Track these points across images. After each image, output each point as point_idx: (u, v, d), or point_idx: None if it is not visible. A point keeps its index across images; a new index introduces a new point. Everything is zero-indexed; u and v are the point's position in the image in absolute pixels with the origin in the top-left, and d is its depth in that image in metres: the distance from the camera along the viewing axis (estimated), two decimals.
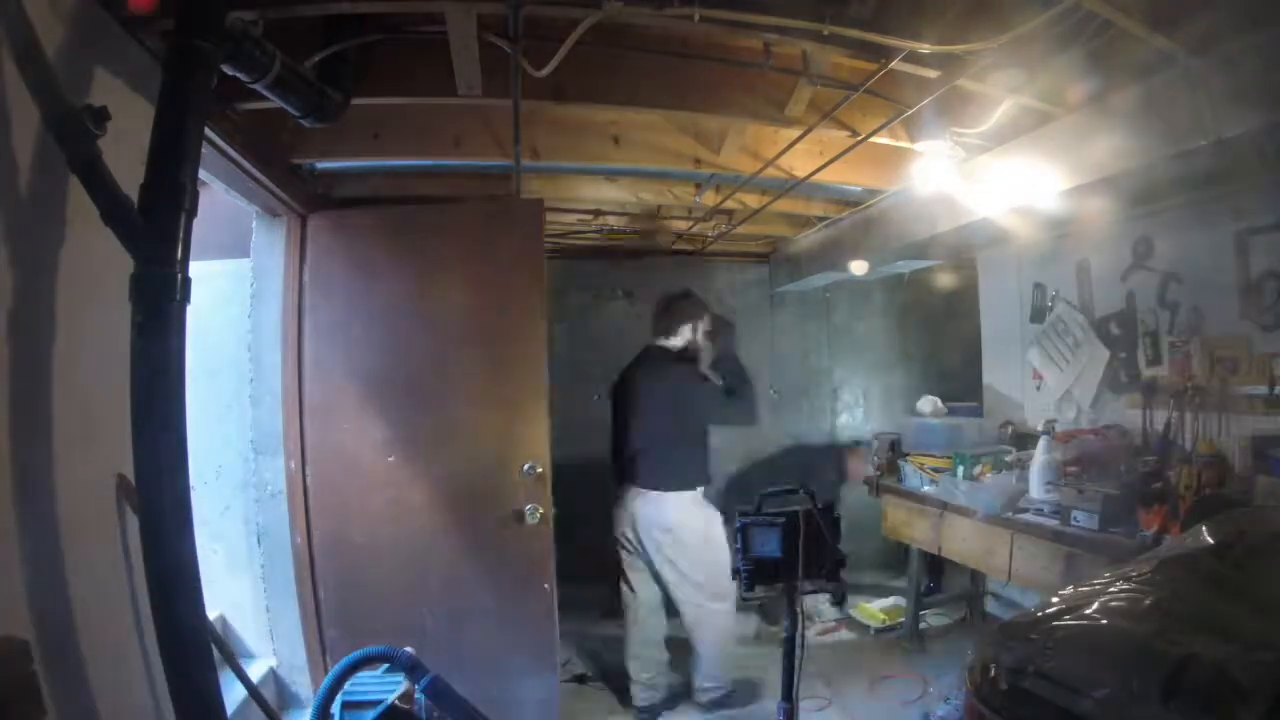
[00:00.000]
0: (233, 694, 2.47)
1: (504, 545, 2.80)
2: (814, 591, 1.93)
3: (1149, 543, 2.17)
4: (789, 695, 1.94)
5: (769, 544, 1.88)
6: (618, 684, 3.34)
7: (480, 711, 1.80)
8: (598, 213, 3.89)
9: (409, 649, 1.83)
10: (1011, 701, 1.30)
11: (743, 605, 3.13)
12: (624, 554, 3.20)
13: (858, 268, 4.04)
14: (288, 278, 2.83)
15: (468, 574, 2.81)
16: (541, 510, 2.75)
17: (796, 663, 1.91)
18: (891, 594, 4.13)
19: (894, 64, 1.98)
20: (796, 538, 1.85)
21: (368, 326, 2.86)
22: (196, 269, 1.34)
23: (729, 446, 4.34)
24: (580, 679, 3.55)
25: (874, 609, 4.01)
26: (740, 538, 1.91)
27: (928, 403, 4.34)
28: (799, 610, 1.91)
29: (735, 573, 1.93)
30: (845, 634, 3.99)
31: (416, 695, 1.78)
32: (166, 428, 1.29)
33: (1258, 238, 2.53)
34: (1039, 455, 2.78)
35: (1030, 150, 2.51)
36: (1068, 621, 1.39)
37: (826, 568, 1.88)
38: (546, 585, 2.78)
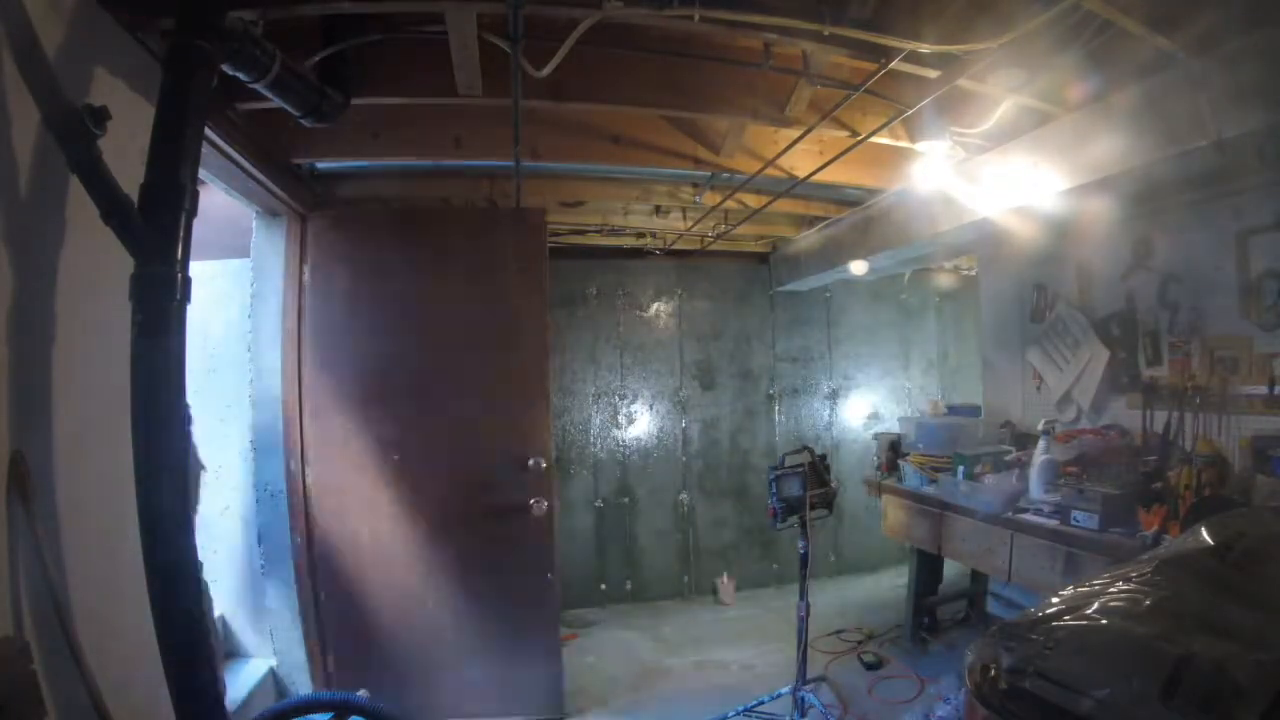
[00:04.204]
0: (233, 693, 2.49)
1: (508, 538, 2.91)
2: (818, 518, 2.79)
3: (1149, 543, 2.17)
4: (804, 595, 2.77)
5: (792, 487, 2.74)
6: None
7: None
8: (598, 212, 3.89)
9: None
10: (1011, 701, 1.30)
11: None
12: None
13: (858, 268, 4.03)
14: (288, 278, 2.83)
15: (473, 567, 2.90)
16: (546, 503, 2.88)
17: (806, 571, 2.77)
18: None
19: (894, 64, 1.98)
20: (807, 480, 2.75)
21: (370, 327, 2.89)
22: (196, 269, 1.34)
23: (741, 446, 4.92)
24: None
25: None
26: (773, 485, 2.73)
27: (928, 403, 4.34)
28: (809, 531, 2.75)
29: (770, 510, 2.74)
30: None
31: None
32: (166, 428, 1.30)
33: (1258, 238, 2.53)
34: (1039, 455, 2.78)
35: (1030, 150, 2.51)
36: (1068, 621, 1.39)
37: (825, 498, 2.82)
38: (550, 575, 2.95)
